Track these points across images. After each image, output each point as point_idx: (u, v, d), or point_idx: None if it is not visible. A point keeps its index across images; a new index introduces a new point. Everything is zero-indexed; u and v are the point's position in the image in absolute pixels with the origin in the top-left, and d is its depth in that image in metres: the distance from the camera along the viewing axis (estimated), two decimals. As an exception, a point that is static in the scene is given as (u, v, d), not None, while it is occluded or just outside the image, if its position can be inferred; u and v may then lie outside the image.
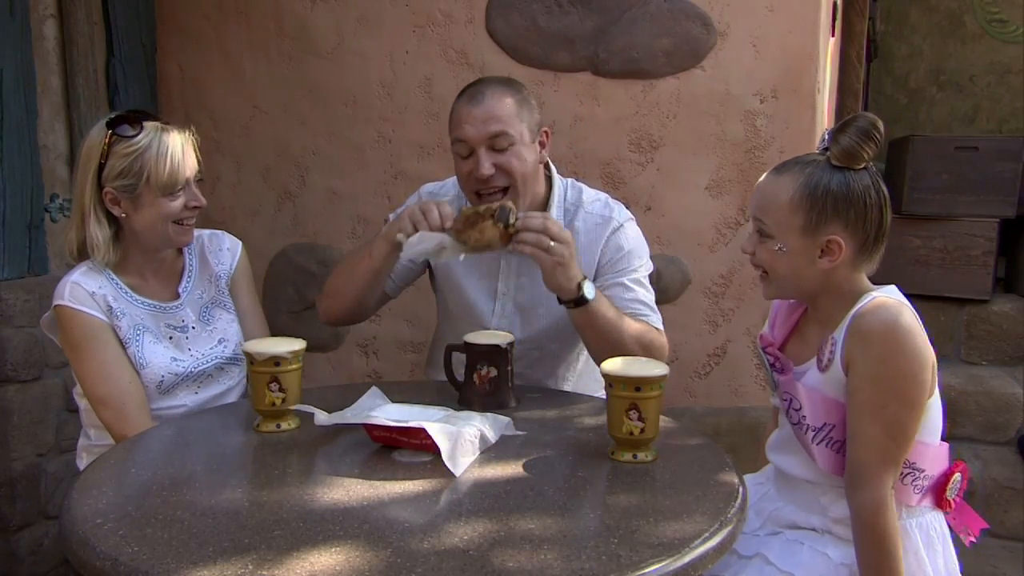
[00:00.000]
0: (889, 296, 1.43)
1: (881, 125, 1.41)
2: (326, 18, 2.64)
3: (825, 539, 1.49)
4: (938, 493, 1.49)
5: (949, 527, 1.52)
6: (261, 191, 2.80)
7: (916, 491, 1.46)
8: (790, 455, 1.54)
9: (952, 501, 1.50)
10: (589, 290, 1.65)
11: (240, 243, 1.96)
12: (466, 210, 1.66)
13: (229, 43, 2.75)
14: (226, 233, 1.97)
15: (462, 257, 1.67)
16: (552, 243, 1.59)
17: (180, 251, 1.88)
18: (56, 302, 1.70)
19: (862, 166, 1.43)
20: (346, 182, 2.70)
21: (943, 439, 1.51)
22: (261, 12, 2.70)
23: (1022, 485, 2.80)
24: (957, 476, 1.49)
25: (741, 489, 1.27)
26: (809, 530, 1.51)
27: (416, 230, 1.66)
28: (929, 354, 1.39)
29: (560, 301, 1.68)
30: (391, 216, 1.95)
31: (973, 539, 1.54)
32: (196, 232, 1.87)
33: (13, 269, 2.34)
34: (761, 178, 1.52)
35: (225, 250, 1.93)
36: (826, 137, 1.45)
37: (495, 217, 1.60)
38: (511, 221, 1.60)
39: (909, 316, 1.39)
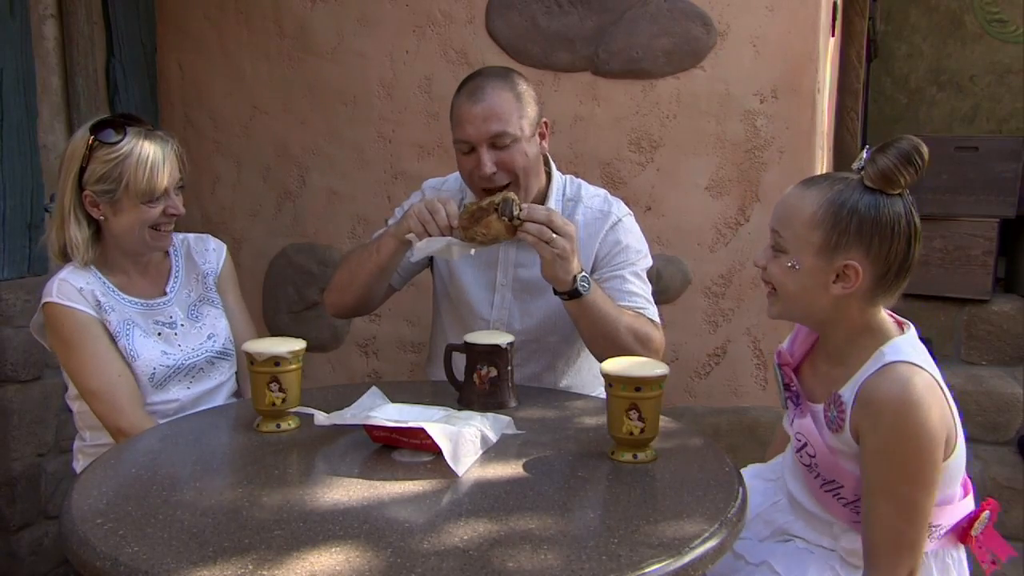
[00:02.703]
0: (901, 358, 1.31)
1: (925, 151, 1.30)
2: (326, 18, 2.63)
3: (835, 556, 1.43)
4: (962, 533, 1.41)
5: (969, 554, 1.46)
6: (261, 191, 2.79)
7: (932, 541, 1.38)
8: (805, 486, 1.48)
9: (977, 537, 1.42)
10: (584, 285, 1.68)
11: (224, 245, 1.99)
12: (470, 206, 1.68)
13: (229, 43, 2.75)
14: (211, 236, 1.99)
15: (472, 252, 1.71)
16: (554, 235, 1.62)
17: (166, 253, 1.90)
18: (45, 299, 1.71)
19: (897, 191, 1.33)
20: (346, 182, 2.69)
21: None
22: (261, 12, 2.70)
23: (1022, 485, 2.80)
24: (985, 514, 1.41)
25: (741, 489, 1.27)
26: (819, 546, 1.47)
27: (424, 229, 1.68)
28: (942, 428, 1.29)
29: (555, 292, 1.71)
30: (397, 211, 1.96)
31: (996, 567, 1.46)
32: (182, 236, 1.91)
33: (13, 269, 2.34)
34: (788, 189, 1.43)
35: (211, 250, 1.96)
36: (864, 155, 1.34)
37: (499, 211, 1.64)
38: (515, 213, 1.63)
39: (921, 385, 1.28)
